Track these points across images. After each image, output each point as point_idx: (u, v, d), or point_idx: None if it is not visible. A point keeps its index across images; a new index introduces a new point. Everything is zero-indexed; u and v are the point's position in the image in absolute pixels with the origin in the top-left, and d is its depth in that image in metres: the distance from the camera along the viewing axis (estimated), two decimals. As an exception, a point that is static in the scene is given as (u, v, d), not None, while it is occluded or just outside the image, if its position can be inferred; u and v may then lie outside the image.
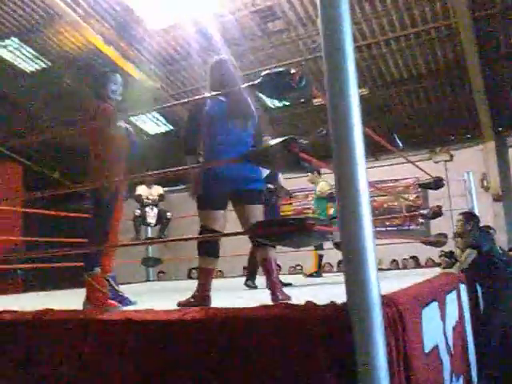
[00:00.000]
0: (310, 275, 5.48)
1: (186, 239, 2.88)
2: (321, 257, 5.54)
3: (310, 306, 1.71)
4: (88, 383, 2.00)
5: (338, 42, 1.66)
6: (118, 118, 3.27)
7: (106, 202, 2.96)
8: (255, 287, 4.35)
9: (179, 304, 2.68)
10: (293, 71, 2.11)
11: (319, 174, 5.84)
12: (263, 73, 2.21)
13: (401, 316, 1.72)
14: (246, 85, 2.36)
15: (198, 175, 2.77)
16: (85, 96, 8.72)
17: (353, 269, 1.52)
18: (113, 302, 2.75)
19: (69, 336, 2.05)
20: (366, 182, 1.58)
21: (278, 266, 5.80)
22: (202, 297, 2.67)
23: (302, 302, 1.75)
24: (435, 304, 2.47)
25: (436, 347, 2.37)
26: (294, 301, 1.84)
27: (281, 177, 4.74)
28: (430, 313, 2.33)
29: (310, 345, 1.55)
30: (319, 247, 5.36)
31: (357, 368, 1.46)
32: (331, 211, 5.45)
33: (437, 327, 2.46)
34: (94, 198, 2.99)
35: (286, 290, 2.75)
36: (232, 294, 3.97)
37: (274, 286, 2.56)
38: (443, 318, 2.64)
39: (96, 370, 1.96)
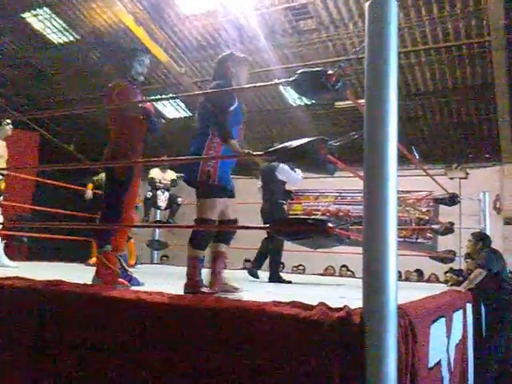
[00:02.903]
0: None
1: (194, 227, 2.89)
2: None
3: (322, 307, 1.71)
4: (92, 355, 2.02)
5: (383, 49, 1.65)
6: (138, 98, 3.21)
7: (121, 181, 2.97)
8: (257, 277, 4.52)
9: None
10: (330, 72, 2.10)
11: None
12: (299, 70, 2.21)
13: (413, 328, 1.72)
14: (281, 81, 2.35)
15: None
16: (109, 73, 8.79)
17: (373, 275, 1.52)
18: (123, 280, 2.76)
19: (79, 309, 2.07)
20: (395, 192, 1.58)
21: (282, 263, 5.90)
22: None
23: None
24: (443, 320, 2.47)
25: (439, 363, 2.37)
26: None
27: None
28: (438, 328, 2.32)
29: (320, 346, 1.55)
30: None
31: (366, 375, 1.46)
32: None
33: (442, 343, 2.46)
34: (110, 177, 3.00)
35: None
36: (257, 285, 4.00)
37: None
38: (448, 335, 2.63)
39: (104, 342, 1.98)
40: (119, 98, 3.00)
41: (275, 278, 4.45)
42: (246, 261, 8.49)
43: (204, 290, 2.57)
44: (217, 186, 2.70)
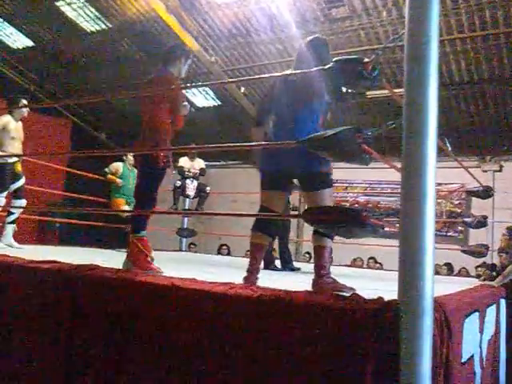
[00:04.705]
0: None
1: (228, 215, 2.90)
2: None
3: (357, 298, 1.70)
4: (124, 340, 2.06)
5: (424, 37, 1.61)
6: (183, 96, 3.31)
7: (161, 169, 3.00)
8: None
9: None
10: (366, 60, 2.07)
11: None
12: (334, 58, 2.18)
13: (448, 322, 1.70)
14: (315, 69, 2.33)
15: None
16: (144, 63, 8.90)
17: (409, 267, 1.50)
18: (155, 266, 2.79)
19: (113, 293, 2.11)
20: (434, 183, 1.55)
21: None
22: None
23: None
24: (476, 315, 2.43)
25: (471, 358, 2.34)
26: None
27: None
28: (471, 323, 2.29)
29: (354, 337, 1.54)
30: None
31: (401, 368, 1.44)
32: None
33: (475, 338, 2.42)
34: (150, 165, 3.02)
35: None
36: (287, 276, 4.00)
37: (318, 274, 2.53)
38: (481, 330, 2.59)
39: (136, 327, 2.01)
40: (175, 95, 3.06)
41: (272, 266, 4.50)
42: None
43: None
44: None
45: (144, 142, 3.06)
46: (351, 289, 2.43)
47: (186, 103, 3.12)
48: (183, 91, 3.19)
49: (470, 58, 7.71)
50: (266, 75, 2.95)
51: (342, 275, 4.59)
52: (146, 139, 3.05)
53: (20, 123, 4.85)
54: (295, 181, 2.80)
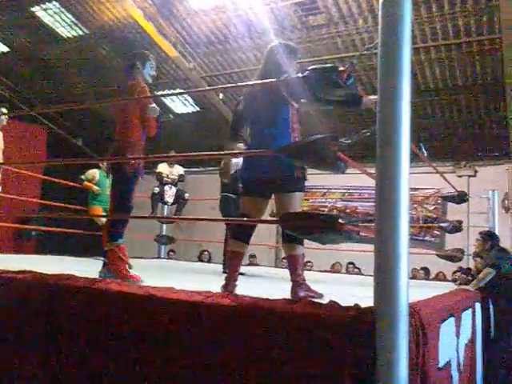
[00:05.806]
0: None
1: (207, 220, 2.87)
2: None
3: (333, 305, 1.70)
4: (102, 351, 2.02)
5: (396, 45, 1.64)
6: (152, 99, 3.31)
7: (131, 176, 2.99)
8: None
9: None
10: (341, 68, 2.09)
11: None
12: (309, 67, 2.19)
13: (423, 327, 1.71)
14: (293, 77, 2.34)
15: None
16: (118, 70, 8.82)
17: (384, 274, 1.51)
18: (135, 275, 2.76)
19: (89, 303, 2.07)
20: (408, 189, 1.56)
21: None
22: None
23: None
24: (452, 319, 2.46)
25: (449, 363, 2.36)
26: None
27: None
28: (447, 328, 2.31)
29: (331, 345, 1.54)
30: None
31: (377, 375, 1.45)
32: None
33: (451, 343, 2.45)
34: (120, 173, 3.01)
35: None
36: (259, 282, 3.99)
37: (295, 282, 2.55)
38: (458, 334, 2.62)
39: (111, 339, 1.98)
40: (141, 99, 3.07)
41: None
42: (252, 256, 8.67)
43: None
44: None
45: (116, 149, 3.10)
46: (320, 295, 2.50)
47: (154, 105, 3.10)
48: (149, 93, 3.19)
49: (444, 65, 7.85)
50: (244, 83, 2.94)
51: (321, 281, 4.62)
52: (117, 146, 3.09)
53: (0, 133, 4.77)
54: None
